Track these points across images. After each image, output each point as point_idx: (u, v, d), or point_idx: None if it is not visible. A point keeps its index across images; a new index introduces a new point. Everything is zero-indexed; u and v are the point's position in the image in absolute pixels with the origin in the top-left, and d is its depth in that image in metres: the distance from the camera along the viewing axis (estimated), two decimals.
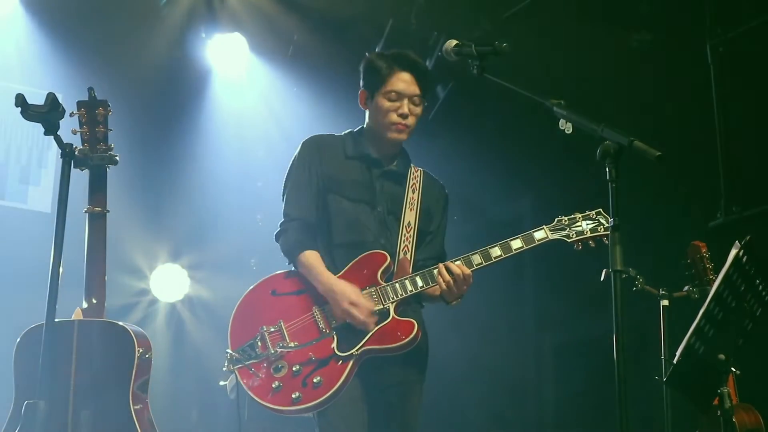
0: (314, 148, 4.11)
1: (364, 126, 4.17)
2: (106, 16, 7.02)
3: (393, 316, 3.79)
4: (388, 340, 3.76)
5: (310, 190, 4.03)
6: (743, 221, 5.78)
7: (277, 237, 4.04)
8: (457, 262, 3.84)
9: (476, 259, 3.87)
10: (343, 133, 4.19)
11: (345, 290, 3.79)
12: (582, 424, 6.74)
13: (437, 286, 3.84)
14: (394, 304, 3.81)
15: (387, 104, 4.00)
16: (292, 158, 4.13)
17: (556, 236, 3.92)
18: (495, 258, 3.87)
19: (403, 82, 4.00)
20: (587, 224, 3.94)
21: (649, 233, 6.21)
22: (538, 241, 3.90)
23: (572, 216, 3.96)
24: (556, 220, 3.96)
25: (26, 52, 7.03)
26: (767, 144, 5.85)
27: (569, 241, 3.92)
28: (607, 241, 3.83)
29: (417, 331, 3.75)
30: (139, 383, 3.77)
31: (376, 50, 4.20)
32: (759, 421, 4.68)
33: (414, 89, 4.01)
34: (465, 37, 3.70)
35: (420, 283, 3.84)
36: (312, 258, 3.91)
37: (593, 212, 3.96)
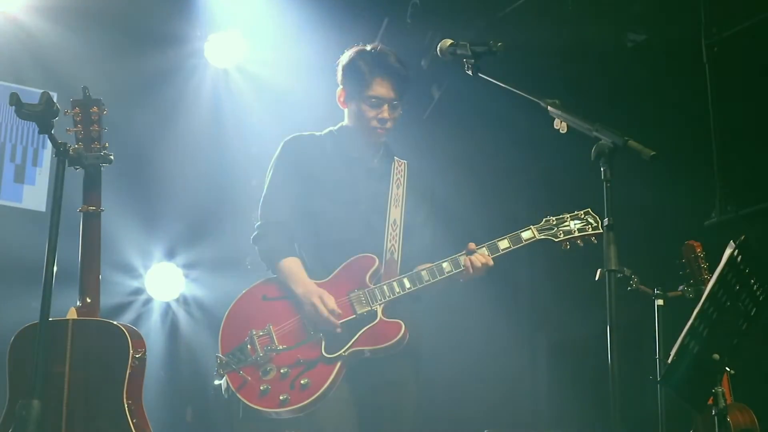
0: (295, 149, 4.12)
1: (344, 124, 4.16)
2: (101, 13, 7.00)
3: (380, 318, 3.81)
4: (375, 341, 3.78)
5: (289, 192, 4.04)
6: (738, 221, 5.78)
7: (255, 241, 4.05)
8: (481, 252, 3.87)
9: (462, 260, 3.88)
10: (323, 132, 4.19)
11: (314, 290, 3.82)
12: (576, 423, 6.74)
13: (426, 285, 3.86)
14: (382, 306, 3.82)
15: (367, 110, 4.01)
16: (273, 158, 4.12)
17: (543, 236, 3.95)
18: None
19: (384, 87, 4.00)
20: (575, 224, 3.96)
21: (644, 232, 6.21)
22: (525, 240, 3.92)
23: (560, 216, 3.98)
24: (543, 220, 3.98)
25: (20, 51, 7.01)
26: (762, 143, 5.85)
27: (557, 240, 3.95)
28: (595, 241, 3.90)
29: (404, 331, 3.77)
30: (133, 382, 3.77)
31: (358, 48, 4.14)
32: (753, 420, 4.69)
33: (393, 94, 4.02)
34: (460, 37, 3.70)
35: (408, 285, 3.86)
36: (293, 264, 3.93)
37: (581, 212, 3.98)
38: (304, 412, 3.74)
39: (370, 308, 3.81)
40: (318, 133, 4.18)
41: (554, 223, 3.96)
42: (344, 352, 3.76)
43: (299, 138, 4.17)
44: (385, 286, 3.84)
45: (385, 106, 4.00)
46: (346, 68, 4.08)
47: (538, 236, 3.93)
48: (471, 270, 3.85)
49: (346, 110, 4.13)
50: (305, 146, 4.12)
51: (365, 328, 3.79)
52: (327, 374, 3.73)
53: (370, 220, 4.02)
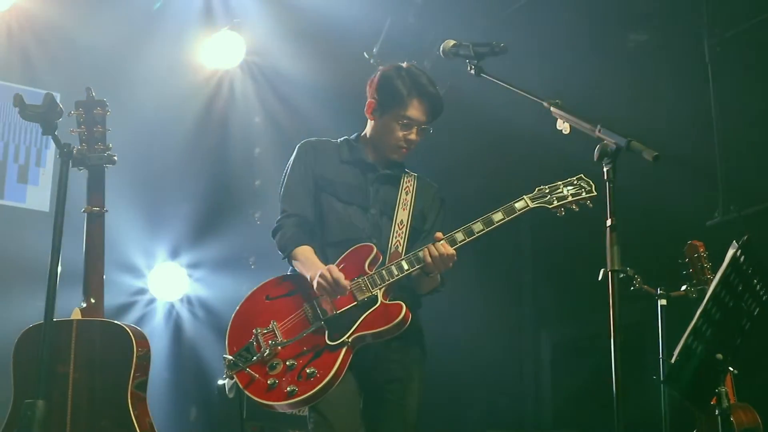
0: (310, 150, 4.17)
1: (363, 134, 4.20)
2: (105, 14, 7.01)
3: (381, 301, 3.82)
4: (377, 324, 3.78)
5: (307, 187, 4.09)
6: (741, 220, 5.79)
7: (274, 233, 4.08)
8: (441, 242, 3.84)
9: (459, 236, 3.86)
10: (339, 140, 4.23)
11: (320, 266, 3.84)
12: (579, 423, 6.75)
13: (422, 266, 3.84)
14: (382, 290, 3.84)
15: (397, 129, 4.03)
16: (289, 160, 4.17)
17: (537, 204, 3.89)
18: (478, 232, 3.86)
19: (419, 111, 4.02)
20: (569, 189, 3.91)
21: (647, 232, 6.21)
22: (519, 210, 3.87)
23: (553, 184, 3.94)
24: (537, 189, 3.94)
25: (24, 52, 7.02)
26: (765, 143, 5.85)
27: (551, 207, 3.89)
28: (590, 205, 3.86)
29: (405, 312, 3.76)
30: (137, 382, 3.78)
31: (396, 64, 4.15)
32: (756, 420, 4.68)
33: (426, 118, 4.05)
34: (463, 37, 3.71)
35: (406, 266, 3.85)
36: (307, 251, 3.95)
37: (574, 178, 3.95)
38: (312, 403, 3.74)
39: (370, 293, 3.83)
40: (333, 140, 4.23)
41: (547, 191, 3.93)
42: (347, 337, 3.77)
43: (315, 141, 4.24)
44: (384, 271, 3.85)
45: (415, 128, 4.04)
46: (384, 83, 4.08)
47: (531, 205, 3.89)
48: (429, 260, 3.80)
49: (371, 122, 4.15)
50: (319, 149, 4.18)
51: (367, 313, 3.80)
52: (332, 362, 3.73)
53: (379, 224, 4.05)
